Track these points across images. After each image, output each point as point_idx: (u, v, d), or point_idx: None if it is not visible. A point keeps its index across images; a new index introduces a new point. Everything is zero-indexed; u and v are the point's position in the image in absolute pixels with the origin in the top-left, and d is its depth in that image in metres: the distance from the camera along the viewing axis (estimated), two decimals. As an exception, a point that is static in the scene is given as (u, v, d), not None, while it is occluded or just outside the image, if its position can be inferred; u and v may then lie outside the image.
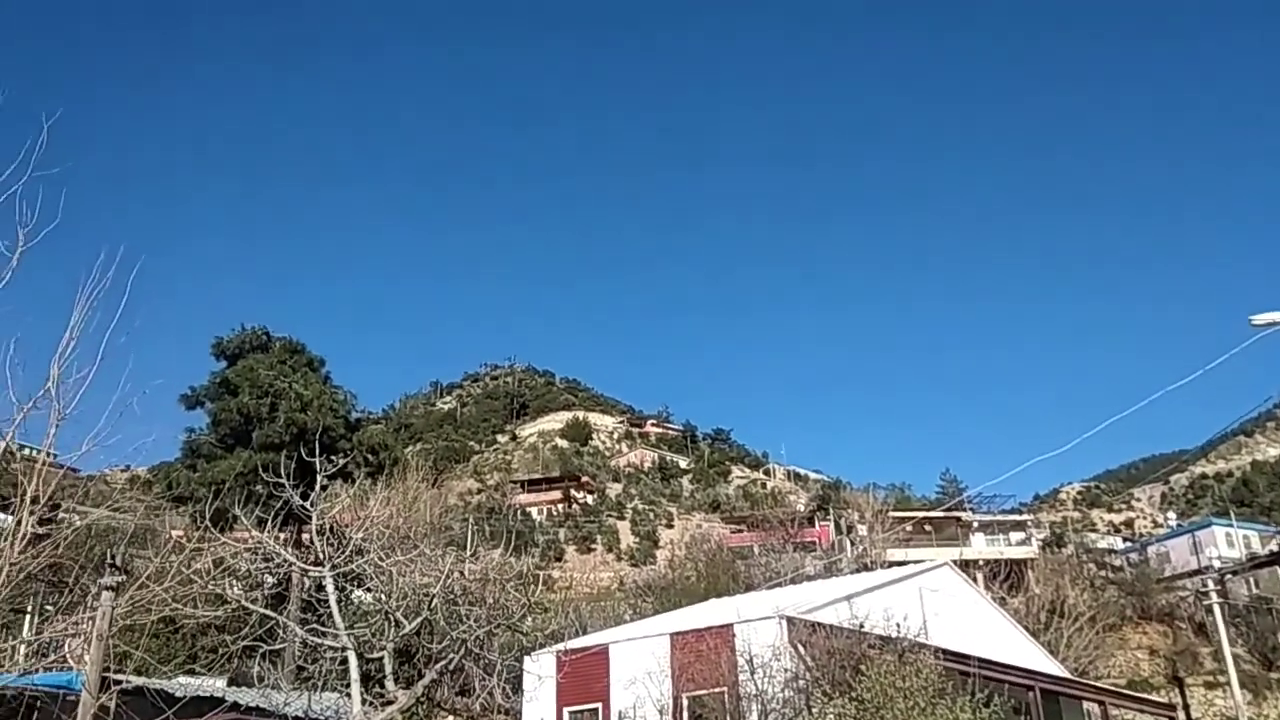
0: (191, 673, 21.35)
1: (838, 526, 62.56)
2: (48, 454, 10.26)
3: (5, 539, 10.04)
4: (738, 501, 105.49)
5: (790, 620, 21.47)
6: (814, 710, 19.43)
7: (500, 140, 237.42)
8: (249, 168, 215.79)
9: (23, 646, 13.46)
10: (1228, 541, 64.47)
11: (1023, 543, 62.81)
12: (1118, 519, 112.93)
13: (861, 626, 20.86)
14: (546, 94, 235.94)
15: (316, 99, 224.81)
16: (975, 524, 64.25)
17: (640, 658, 22.44)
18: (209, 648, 23.37)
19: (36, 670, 12.50)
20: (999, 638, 28.12)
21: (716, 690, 21.14)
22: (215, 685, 17.81)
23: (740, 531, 72.52)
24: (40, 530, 11.02)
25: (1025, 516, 70.52)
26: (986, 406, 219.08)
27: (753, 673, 20.30)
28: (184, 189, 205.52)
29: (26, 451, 11.06)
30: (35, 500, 9.93)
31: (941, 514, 61.78)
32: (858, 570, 44.11)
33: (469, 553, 18.69)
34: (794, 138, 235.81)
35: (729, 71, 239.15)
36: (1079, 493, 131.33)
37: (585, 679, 22.49)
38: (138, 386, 9.56)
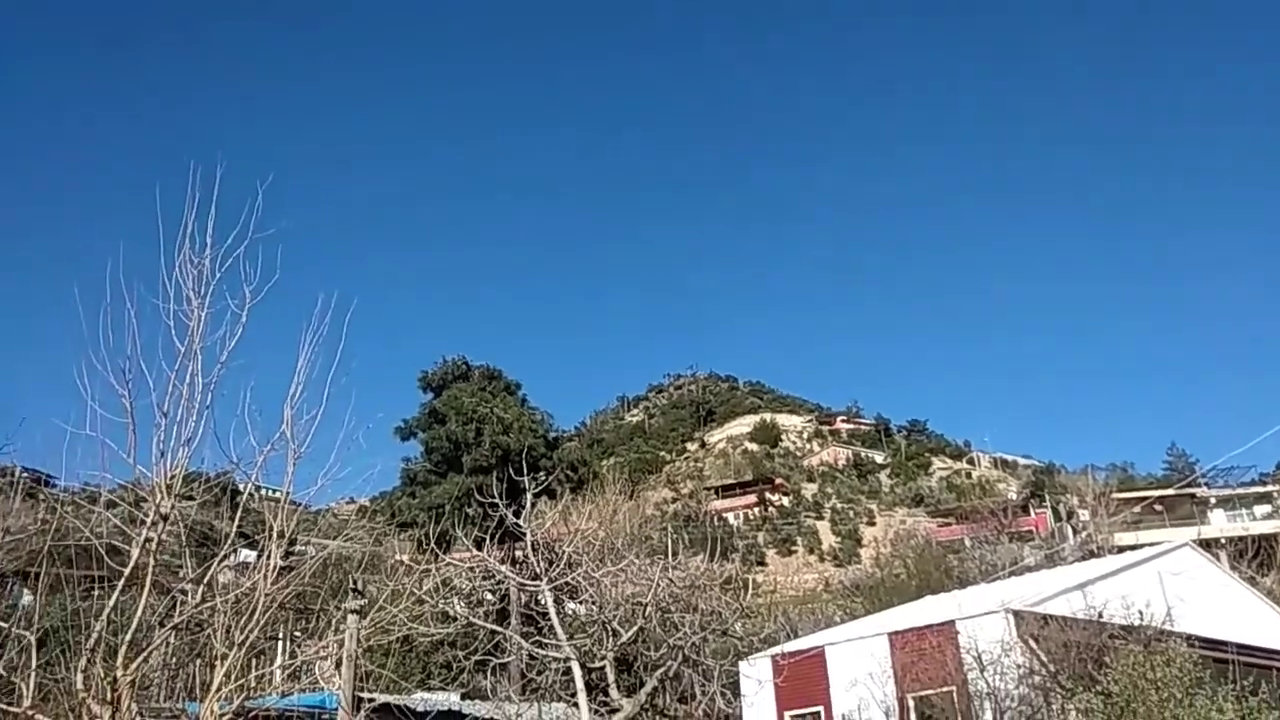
0: (427, 688, 22.49)
1: (1056, 513, 59.09)
2: (287, 492, 11.03)
3: (258, 572, 10.86)
4: (942, 494, 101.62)
5: (1017, 614, 20.34)
6: (1054, 706, 18.28)
7: (672, 148, 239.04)
8: (425, 220, 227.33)
9: (279, 671, 14.57)
10: None
11: (1270, 516, 57.13)
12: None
13: (1100, 616, 19.46)
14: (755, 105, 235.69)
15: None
16: (1213, 499, 59.03)
17: (859, 659, 21.84)
18: (441, 664, 24.58)
19: (293, 692, 13.47)
20: (1254, 621, 25.59)
21: (944, 690, 20.29)
22: (452, 699, 18.66)
23: (948, 525, 69.76)
24: (285, 563, 11.88)
25: (1271, 488, 64.06)
26: (1212, 374, 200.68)
27: (982, 670, 19.33)
28: (376, 233, 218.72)
29: (262, 491, 11.88)
30: (281, 535, 10.70)
31: (1174, 491, 57.04)
32: (1083, 558, 41.33)
33: (674, 561, 18.78)
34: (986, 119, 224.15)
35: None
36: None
37: (804, 682, 22.12)
38: (361, 422, 10.07)
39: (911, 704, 20.76)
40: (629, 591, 17.66)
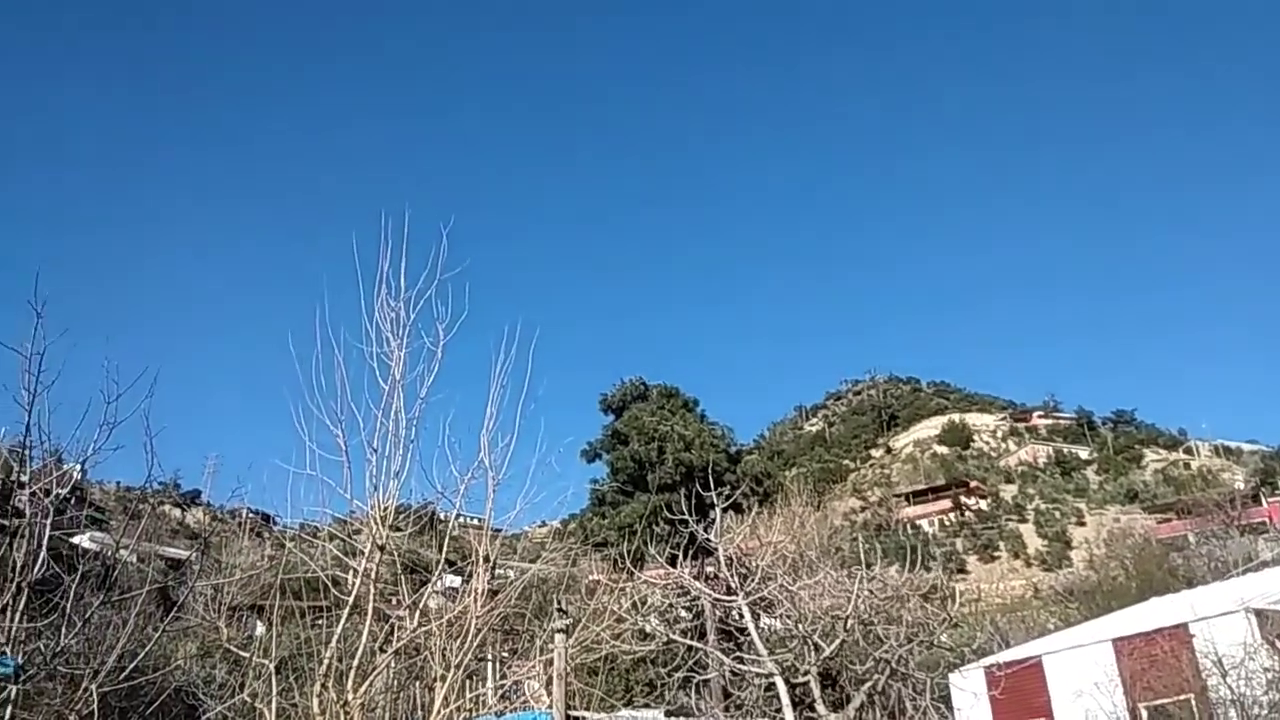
0: (631, 706, 22.74)
1: (1292, 501, 53.53)
2: (489, 517, 11.45)
3: (468, 596, 11.29)
4: (1158, 487, 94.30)
5: (1260, 613, 18.60)
6: (1313, 716, 16.51)
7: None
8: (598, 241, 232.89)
9: (491, 691, 15.09)
10: None
11: None
12: None
13: (1361, 613, 17.46)
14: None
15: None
16: None
17: (1081, 667, 20.51)
18: (644, 681, 24.83)
19: (506, 712, 13.92)
20: None
21: (1180, 698, 18.79)
22: (657, 717, 18.77)
23: (1168, 520, 64.68)
24: (491, 587, 12.32)
25: None
26: None
27: (1224, 675, 17.71)
28: (553, 256, 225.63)
29: (465, 519, 12.38)
30: (487, 560, 11.10)
31: None
32: (1332, 549, 37.28)
33: (871, 572, 18.23)
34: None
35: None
36: None
37: (1021, 694, 20.95)
38: (551, 447, 10.38)
39: (1144, 714, 19.30)
40: (826, 604, 17.27)
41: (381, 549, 10.07)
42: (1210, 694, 18.21)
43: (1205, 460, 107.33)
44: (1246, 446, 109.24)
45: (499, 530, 13.41)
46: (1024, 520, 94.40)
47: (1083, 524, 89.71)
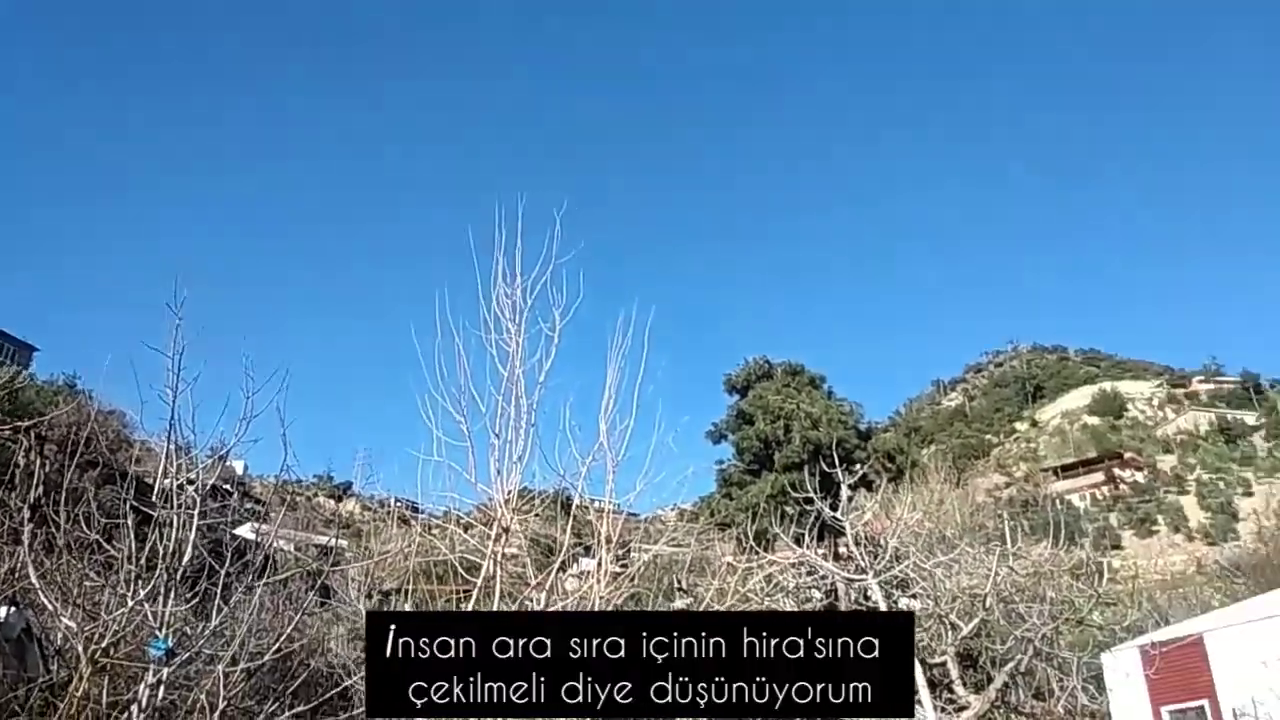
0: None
1: None
2: (610, 499, 11.58)
3: (593, 578, 11.45)
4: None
5: None
6: None
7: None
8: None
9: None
10: None
11: None
12: None
13: None
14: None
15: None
16: None
17: (1251, 646, 19.22)
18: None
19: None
20: None
21: (1364, 679, 17.32)
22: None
23: (1349, 487, 59.62)
24: (616, 568, 12.45)
25: None
26: None
27: None
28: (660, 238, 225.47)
29: (590, 501, 12.55)
30: (609, 540, 11.22)
31: None
32: None
33: (1013, 548, 17.52)
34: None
35: None
36: None
37: (1181, 674, 19.80)
38: (669, 427, 10.38)
39: (1322, 697, 17.88)
40: (965, 583, 16.71)
41: (506, 531, 10.30)
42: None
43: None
44: None
45: (620, 510, 13.57)
46: (1184, 492, 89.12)
47: (1250, 494, 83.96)
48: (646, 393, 10.08)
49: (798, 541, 16.67)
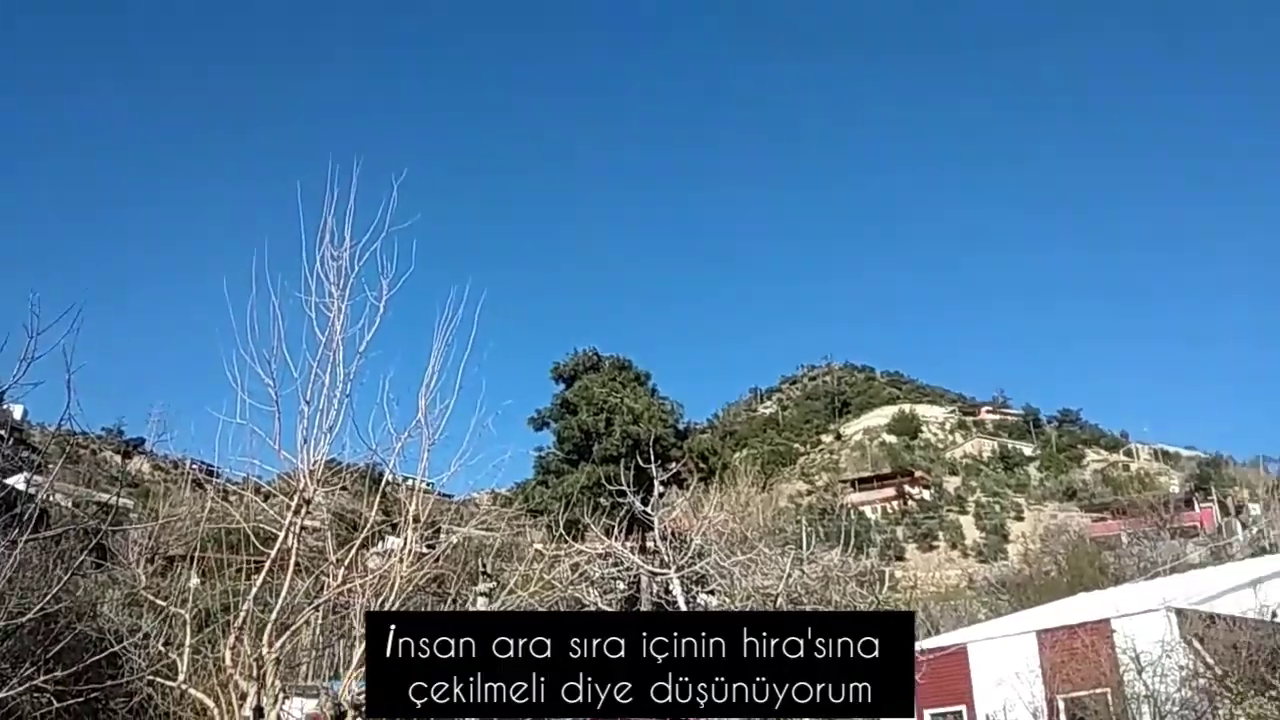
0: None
1: (1223, 507, 55.35)
2: (422, 478, 11.36)
3: (396, 558, 11.21)
4: (1096, 487, 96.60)
5: (1180, 612, 19.13)
6: (1220, 712, 17.06)
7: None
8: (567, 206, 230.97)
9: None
10: None
11: None
12: None
13: (1275, 616, 18.03)
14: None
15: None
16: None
17: (1004, 657, 20.97)
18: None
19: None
20: None
21: (1098, 691, 19.29)
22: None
23: (1103, 520, 66.31)
24: (423, 548, 12.25)
25: None
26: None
27: (1140, 671, 18.22)
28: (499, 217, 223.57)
29: (403, 479, 12.28)
30: (417, 520, 11.01)
31: (1358, 485, 52.42)
32: (1255, 555, 38.45)
33: (806, 552, 18.42)
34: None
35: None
36: None
37: (944, 680, 21.36)
38: (490, 410, 10.28)
39: (1061, 705, 19.80)
40: (760, 583, 17.43)
41: (308, 503, 9.92)
42: (1125, 689, 18.72)
43: (1144, 463, 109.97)
44: (1185, 452, 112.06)
45: (433, 489, 13.34)
46: (964, 512, 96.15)
47: (1021, 519, 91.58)
48: (472, 373, 9.94)
49: (607, 533, 16.91)
